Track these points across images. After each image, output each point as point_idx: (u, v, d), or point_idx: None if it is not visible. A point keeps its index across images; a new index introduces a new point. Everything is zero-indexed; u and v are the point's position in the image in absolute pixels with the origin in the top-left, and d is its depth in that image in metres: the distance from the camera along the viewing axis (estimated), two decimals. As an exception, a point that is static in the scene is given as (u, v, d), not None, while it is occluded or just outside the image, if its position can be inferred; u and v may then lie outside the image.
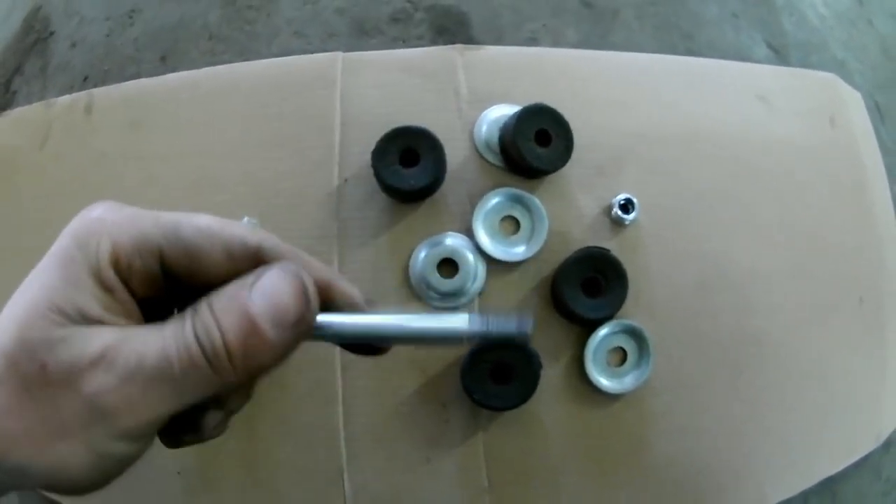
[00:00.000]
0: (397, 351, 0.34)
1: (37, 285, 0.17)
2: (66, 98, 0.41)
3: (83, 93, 0.41)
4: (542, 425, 0.34)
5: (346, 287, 0.20)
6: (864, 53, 0.46)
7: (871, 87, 0.45)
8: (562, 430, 0.34)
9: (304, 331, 0.18)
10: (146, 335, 0.17)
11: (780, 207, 0.39)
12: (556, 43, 0.39)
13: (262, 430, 0.35)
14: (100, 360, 0.17)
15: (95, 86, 0.41)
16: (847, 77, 0.44)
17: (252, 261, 0.19)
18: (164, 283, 0.19)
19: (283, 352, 0.18)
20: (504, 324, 0.19)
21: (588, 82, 0.38)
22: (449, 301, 0.34)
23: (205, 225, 0.19)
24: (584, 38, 0.39)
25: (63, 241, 0.18)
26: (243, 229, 0.19)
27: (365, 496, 0.34)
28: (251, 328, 0.17)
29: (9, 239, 0.40)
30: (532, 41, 0.39)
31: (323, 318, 0.19)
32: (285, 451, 0.35)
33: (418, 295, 0.34)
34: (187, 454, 0.37)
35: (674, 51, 0.39)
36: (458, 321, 0.19)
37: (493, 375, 0.32)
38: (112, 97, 0.40)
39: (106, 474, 0.18)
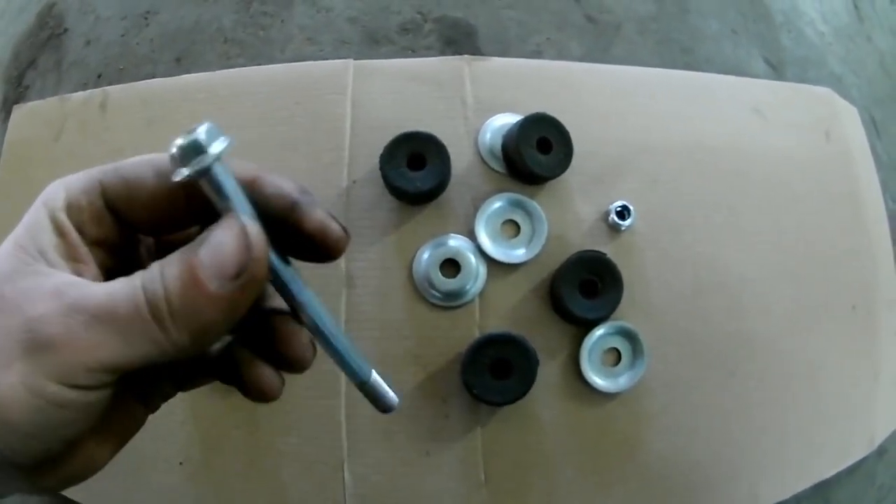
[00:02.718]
0: (399, 347, 0.39)
1: (8, 237, 0.20)
2: (80, 94, 0.44)
3: (98, 90, 0.44)
4: (539, 422, 0.38)
5: (275, 179, 0.21)
6: (861, 68, 0.49)
7: (869, 102, 0.49)
8: (558, 426, 0.38)
9: (248, 283, 0.18)
10: (101, 283, 0.19)
11: (774, 216, 0.42)
12: (560, 55, 0.43)
13: (265, 421, 0.38)
14: (53, 293, 0.18)
15: (110, 83, 0.44)
16: (844, 92, 0.47)
17: None
18: (113, 222, 0.21)
19: (228, 308, 0.18)
20: (386, 393, 0.22)
21: (589, 94, 0.41)
22: (450, 300, 0.38)
23: (139, 157, 0.21)
24: (588, 52, 0.43)
25: (35, 203, 0.21)
26: None
27: (365, 488, 0.38)
28: (191, 279, 0.18)
29: (20, 230, 0.45)
30: (537, 53, 0.42)
31: (278, 263, 0.20)
32: (288, 442, 0.38)
33: (421, 293, 0.38)
34: (191, 445, 0.41)
35: (673, 65, 0.43)
36: (362, 367, 0.22)
37: (493, 371, 0.35)
38: (127, 95, 0.43)
39: (46, 429, 0.17)
